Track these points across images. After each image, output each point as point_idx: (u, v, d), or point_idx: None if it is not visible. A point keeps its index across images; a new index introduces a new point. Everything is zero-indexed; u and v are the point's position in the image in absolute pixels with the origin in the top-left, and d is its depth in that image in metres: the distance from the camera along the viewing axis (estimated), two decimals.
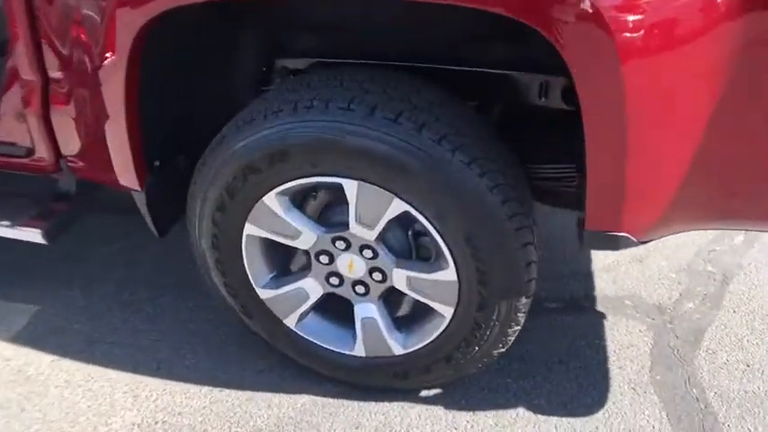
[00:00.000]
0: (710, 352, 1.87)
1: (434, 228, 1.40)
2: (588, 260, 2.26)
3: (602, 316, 2.01)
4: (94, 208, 2.20)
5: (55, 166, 1.73)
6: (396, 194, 1.38)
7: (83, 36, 1.44)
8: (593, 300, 2.08)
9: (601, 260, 2.25)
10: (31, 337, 1.97)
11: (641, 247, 2.25)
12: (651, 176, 1.25)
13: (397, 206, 1.40)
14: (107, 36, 1.38)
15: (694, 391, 1.75)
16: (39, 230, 1.75)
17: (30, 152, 1.70)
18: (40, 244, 1.79)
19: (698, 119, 1.20)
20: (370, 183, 1.38)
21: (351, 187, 1.40)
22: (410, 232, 1.57)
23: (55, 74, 1.54)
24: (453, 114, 1.39)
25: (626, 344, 1.91)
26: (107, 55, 1.40)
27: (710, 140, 1.22)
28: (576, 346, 1.90)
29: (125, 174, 1.59)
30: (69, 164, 1.71)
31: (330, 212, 1.59)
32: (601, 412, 1.69)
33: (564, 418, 1.67)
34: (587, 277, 2.18)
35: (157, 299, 2.12)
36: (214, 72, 1.71)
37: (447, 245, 1.41)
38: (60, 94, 1.56)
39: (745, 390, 1.74)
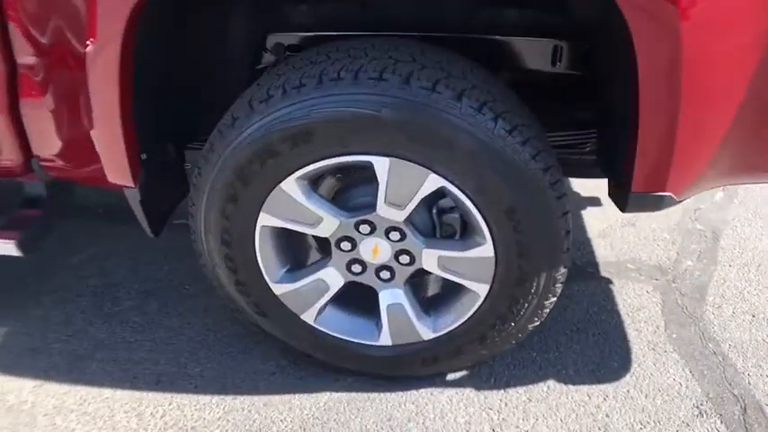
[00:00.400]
0: (716, 306, 1.91)
1: (473, 202, 1.33)
2: (582, 228, 2.26)
3: (608, 281, 2.01)
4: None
5: (24, 168, 1.53)
6: (432, 169, 1.29)
7: (64, 16, 1.26)
8: (596, 266, 2.08)
9: (595, 227, 2.26)
10: (5, 363, 1.75)
11: None
12: (699, 135, 1.23)
13: (433, 182, 1.31)
14: (97, 15, 1.21)
15: (710, 345, 1.78)
16: (12, 242, 1.55)
17: None
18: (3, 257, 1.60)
19: (743, 77, 1.20)
20: (404, 159, 1.29)
21: (382, 165, 1.31)
22: (435, 210, 1.50)
23: (26, 60, 1.35)
24: (486, 81, 1.32)
25: (637, 306, 1.92)
26: (97, 36, 1.23)
27: (750, 97, 1.22)
28: (591, 313, 1.89)
29: (117, 170, 1.42)
30: (42, 164, 1.52)
31: (347, 196, 1.49)
32: (628, 375, 1.69)
33: (594, 386, 1.66)
34: (586, 245, 2.18)
35: (143, 307, 1.94)
36: (204, 50, 1.55)
37: (485, 219, 1.35)
38: (33, 84, 1.37)
39: (756, 339, 1.79)
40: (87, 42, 1.25)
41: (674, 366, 1.71)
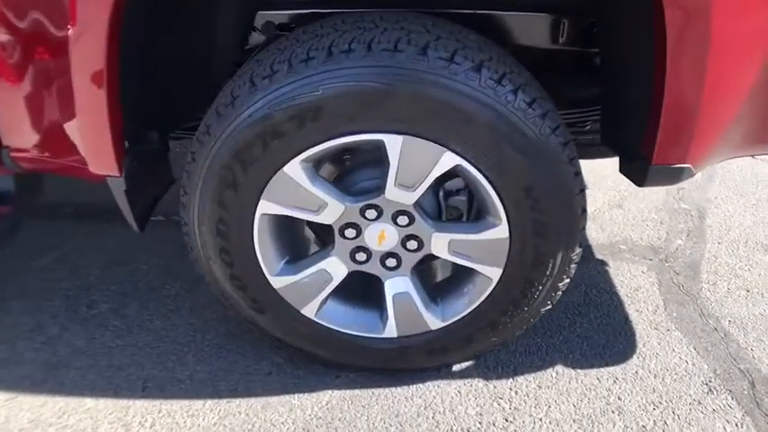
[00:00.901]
0: (711, 283, 1.92)
1: (489, 180, 1.26)
2: None
3: (603, 263, 2.00)
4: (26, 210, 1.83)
5: None
6: (448, 147, 1.22)
7: None
8: (589, 248, 2.06)
9: None
10: None
11: (618, 194, 2.29)
12: (719, 107, 1.21)
13: (447, 161, 1.25)
14: None
15: (710, 322, 1.78)
16: None
17: None
18: None
19: (762, 49, 1.18)
20: (418, 136, 1.22)
21: (394, 144, 1.23)
22: (441, 192, 1.43)
23: None
24: (501, 53, 1.26)
25: (634, 286, 1.90)
26: (82, 17, 1.10)
27: (765, 69, 1.21)
28: (590, 295, 1.87)
29: (100, 159, 1.30)
30: (14, 155, 1.37)
31: (349, 180, 1.41)
32: (635, 356, 1.66)
33: (603, 368, 1.63)
34: None
35: (122, 309, 1.81)
36: (192, 29, 1.44)
37: (501, 198, 1.29)
38: (5, 67, 1.23)
39: (753, 313, 1.80)
40: (70, 23, 1.12)
41: (678, 345, 1.70)
